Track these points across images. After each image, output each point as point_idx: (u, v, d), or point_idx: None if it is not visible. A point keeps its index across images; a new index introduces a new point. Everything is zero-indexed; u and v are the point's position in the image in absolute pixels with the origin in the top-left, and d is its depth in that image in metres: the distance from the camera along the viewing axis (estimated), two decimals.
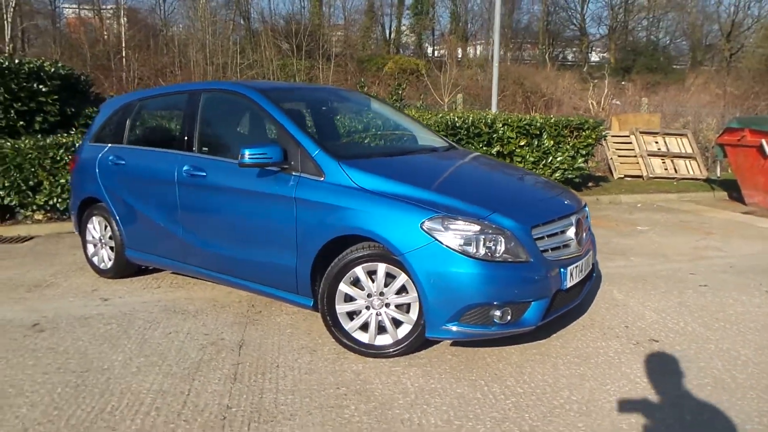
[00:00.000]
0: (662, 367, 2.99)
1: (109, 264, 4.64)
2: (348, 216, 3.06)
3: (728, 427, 2.44)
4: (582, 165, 7.87)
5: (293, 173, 3.33)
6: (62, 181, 6.58)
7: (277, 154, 3.29)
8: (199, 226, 3.83)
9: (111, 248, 4.59)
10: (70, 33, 29.13)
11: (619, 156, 9.87)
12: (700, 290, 4.23)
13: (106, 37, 28.55)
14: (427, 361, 3.10)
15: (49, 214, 6.90)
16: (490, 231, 2.85)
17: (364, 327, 3.13)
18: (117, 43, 27.56)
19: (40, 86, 7.10)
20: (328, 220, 3.13)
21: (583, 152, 7.76)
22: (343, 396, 2.72)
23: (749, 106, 13.99)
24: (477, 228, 2.85)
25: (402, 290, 3.04)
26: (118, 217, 4.41)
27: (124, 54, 26.70)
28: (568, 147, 7.68)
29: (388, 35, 39.19)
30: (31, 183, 6.53)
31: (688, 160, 9.84)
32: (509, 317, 2.88)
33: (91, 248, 4.78)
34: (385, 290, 3.06)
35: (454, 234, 2.83)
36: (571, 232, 3.22)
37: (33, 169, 6.49)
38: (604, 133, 8.11)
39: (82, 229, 4.82)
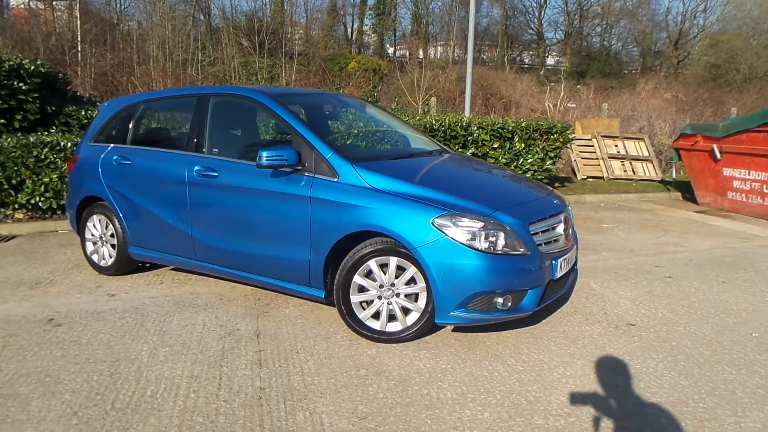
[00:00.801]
0: (640, 347, 3.40)
1: (110, 261, 4.76)
2: (362, 214, 3.34)
3: (700, 392, 2.84)
4: (550, 167, 8.36)
5: (307, 174, 3.58)
6: (45, 179, 6.59)
7: (293, 156, 3.54)
8: (210, 223, 4.02)
9: (112, 246, 4.72)
10: (21, 26, 28.15)
11: (582, 158, 10.47)
12: (666, 281, 4.70)
13: (59, 30, 27.75)
14: (434, 345, 3.41)
15: (30, 213, 6.89)
16: (494, 227, 3.18)
17: (376, 315, 3.42)
18: (71, 37, 26.83)
19: (20, 84, 7.06)
20: (342, 217, 3.40)
21: (552, 155, 8.26)
22: (364, 376, 3.01)
23: (698, 113, 14.94)
24: (481, 224, 3.18)
25: (411, 281, 3.34)
26: (121, 215, 4.54)
27: (80, 48, 26.03)
28: (537, 150, 8.16)
29: (350, 35, 39.42)
30: (13, 182, 6.52)
31: (645, 163, 10.52)
32: (510, 304, 3.23)
33: (90, 246, 4.88)
34: (395, 281, 3.36)
35: (462, 230, 3.16)
36: (560, 228, 3.60)
37: (16, 168, 6.48)
38: (570, 137, 8.63)
39: (80, 228, 4.92)
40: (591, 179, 10.30)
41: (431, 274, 3.17)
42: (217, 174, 3.94)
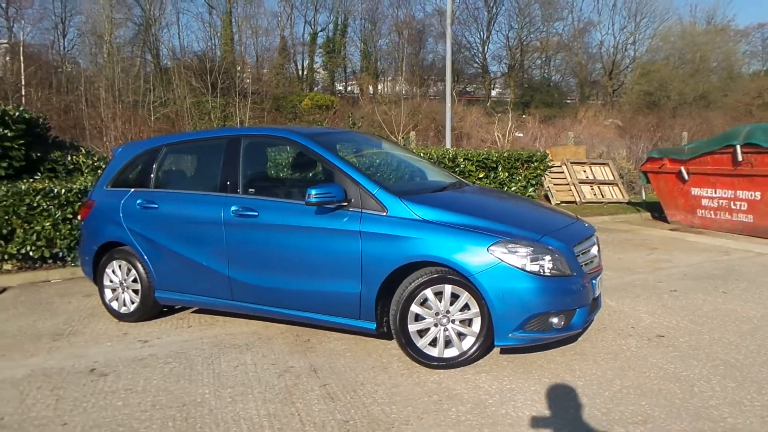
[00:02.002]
0: (679, 356, 3.65)
1: (132, 307, 4.67)
2: (416, 245, 3.48)
3: (750, 392, 3.09)
4: (532, 193, 8.75)
5: (353, 209, 3.70)
6: (37, 228, 6.39)
7: (340, 193, 3.66)
8: (250, 262, 4.05)
9: (134, 291, 4.64)
10: None
11: (555, 184, 10.98)
12: (673, 295, 5.03)
13: (0, 74, 26.98)
14: (489, 367, 3.55)
15: (20, 263, 6.63)
16: (544, 251, 3.39)
17: (432, 342, 3.54)
18: (14, 80, 26.04)
19: (6, 131, 6.87)
20: (395, 249, 3.53)
21: (533, 182, 8.67)
22: (439, 402, 3.10)
23: (648, 137, 15.97)
24: (532, 249, 3.38)
25: (465, 307, 3.49)
26: (147, 260, 4.49)
27: (23, 92, 25.28)
28: (520, 178, 8.55)
29: (301, 73, 39.94)
30: (3, 231, 6.29)
31: (612, 186, 11.15)
32: (563, 323, 3.42)
33: (108, 293, 4.78)
34: (450, 308, 3.50)
35: (516, 255, 3.34)
36: (594, 250, 3.86)
37: (6, 217, 6.26)
38: (550, 165, 9.09)
39: (98, 275, 4.81)
40: (564, 203, 10.80)
41: (490, 298, 3.33)
42: (256, 213, 3.99)
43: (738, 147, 7.56)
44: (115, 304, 4.76)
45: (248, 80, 33.41)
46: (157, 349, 4.05)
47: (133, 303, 4.67)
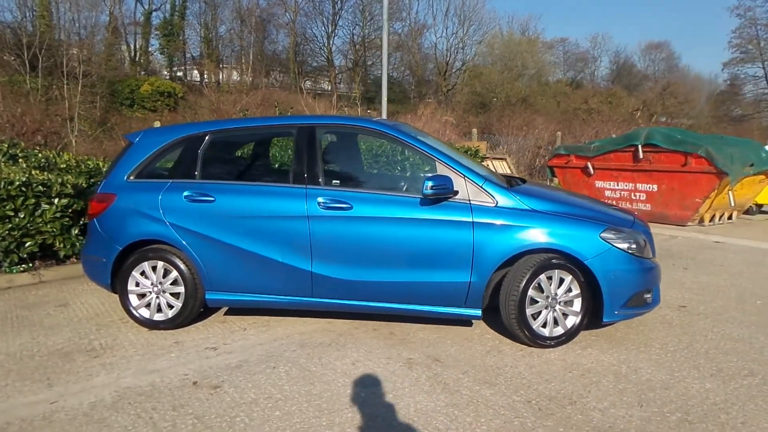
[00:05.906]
0: (714, 321, 4.40)
1: (171, 313, 4.17)
2: (530, 233, 3.72)
3: None
4: None
5: (459, 200, 3.80)
6: None
7: (451, 185, 3.74)
8: (342, 257, 3.90)
9: (173, 295, 4.16)
10: None
11: None
12: None
13: None
14: (586, 344, 3.93)
15: None
16: (638, 236, 3.86)
17: (542, 324, 3.82)
18: None
19: None
20: (510, 238, 3.72)
21: None
22: (582, 376, 3.40)
23: (524, 135, 17.78)
24: (628, 234, 3.83)
25: (568, 290, 3.83)
26: (198, 258, 4.05)
27: None
28: None
29: (134, 55, 36.53)
30: None
31: None
32: (650, 299, 3.93)
33: (135, 299, 4.20)
34: (558, 291, 3.81)
35: (621, 240, 3.76)
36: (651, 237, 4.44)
37: None
38: (482, 156, 9.77)
39: (120, 279, 4.19)
40: None
41: (604, 280, 3.70)
42: (349, 205, 3.86)
43: (639, 146, 8.97)
44: (144, 312, 4.20)
45: (76, 59, 29.67)
46: (241, 355, 3.72)
47: (170, 308, 4.17)
